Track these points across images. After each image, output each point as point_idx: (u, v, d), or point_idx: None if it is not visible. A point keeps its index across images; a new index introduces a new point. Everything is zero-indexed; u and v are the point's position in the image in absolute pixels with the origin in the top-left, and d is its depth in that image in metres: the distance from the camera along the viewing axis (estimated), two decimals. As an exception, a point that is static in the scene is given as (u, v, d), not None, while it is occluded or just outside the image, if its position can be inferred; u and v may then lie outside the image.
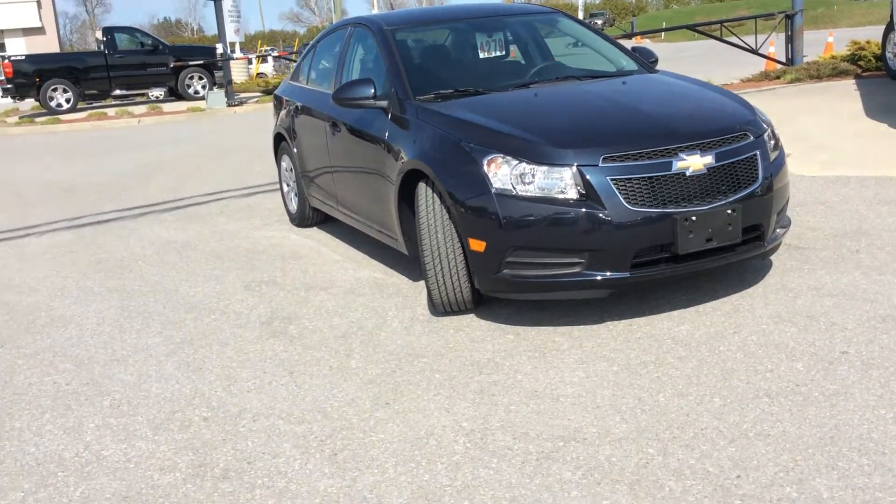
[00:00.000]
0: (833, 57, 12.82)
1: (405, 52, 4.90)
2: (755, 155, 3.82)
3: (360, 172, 4.90)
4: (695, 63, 18.73)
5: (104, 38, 20.90)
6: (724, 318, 3.72)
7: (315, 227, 6.36)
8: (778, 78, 12.48)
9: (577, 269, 3.63)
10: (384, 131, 4.50)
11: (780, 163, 3.99)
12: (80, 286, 5.33)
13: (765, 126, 4.05)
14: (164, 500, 2.70)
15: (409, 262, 4.94)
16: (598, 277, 3.62)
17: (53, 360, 4.08)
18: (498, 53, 5.31)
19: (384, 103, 4.53)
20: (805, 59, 13.26)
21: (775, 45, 14.64)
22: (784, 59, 13.42)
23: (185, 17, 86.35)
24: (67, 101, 20.01)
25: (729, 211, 3.65)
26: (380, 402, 3.26)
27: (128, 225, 7.12)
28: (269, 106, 7.28)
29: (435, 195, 3.94)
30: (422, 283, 4.63)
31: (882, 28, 11.19)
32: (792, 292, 3.94)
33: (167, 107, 19.24)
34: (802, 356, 3.25)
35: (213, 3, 19.11)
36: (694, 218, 3.58)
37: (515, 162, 3.67)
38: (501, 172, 3.68)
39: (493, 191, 3.67)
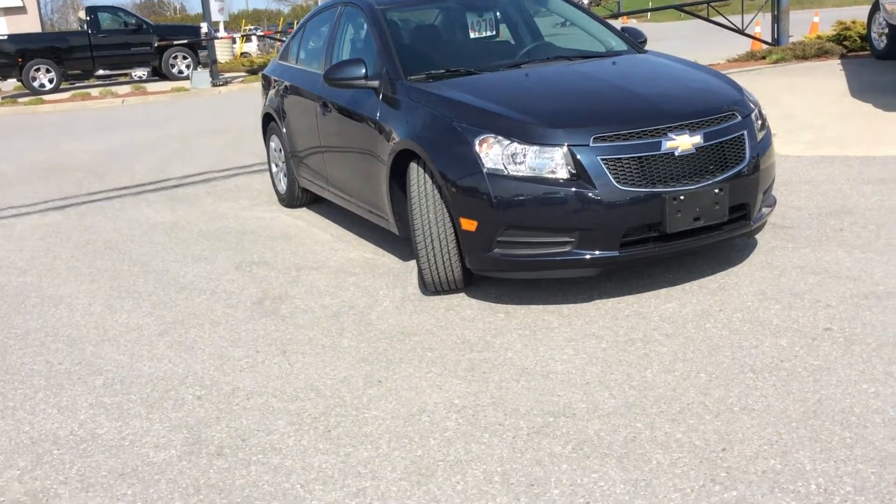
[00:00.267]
0: (819, 37, 12.89)
1: (396, 31, 4.90)
2: (743, 135, 3.87)
3: (350, 153, 4.92)
4: (681, 43, 18.74)
5: (87, 18, 20.66)
6: (710, 296, 3.78)
7: (304, 208, 6.37)
8: (764, 58, 12.54)
9: (567, 248, 3.68)
10: (375, 111, 4.51)
11: (766, 143, 4.04)
12: (70, 267, 5.33)
13: (752, 106, 4.09)
14: (159, 477, 2.73)
15: (400, 242, 4.97)
16: (588, 256, 3.66)
17: (45, 340, 4.10)
18: (488, 33, 5.31)
19: (375, 83, 4.54)
20: (791, 40, 13.31)
21: (761, 25, 14.69)
22: (770, 40, 13.47)
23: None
24: (50, 81, 19.80)
25: (716, 190, 3.70)
26: (372, 379, 3.30)
27: (115, 205, 7.11)
28: (255, 86, 7.23)
29: (426, 175, 3.96)
30: (412, 262, 4.67)
31: (867, 8, 11.25)
32: (776, 270, 4.00)
33: (151, 87, 19.08)
34: (786, 333, 3.32)
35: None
36: (682, 197, 3.63)
37: (507, 142, 3.70)
38: (493, 152, 3.71)
39: (484, 170, 3.70)
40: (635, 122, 3.70)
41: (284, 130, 6.10)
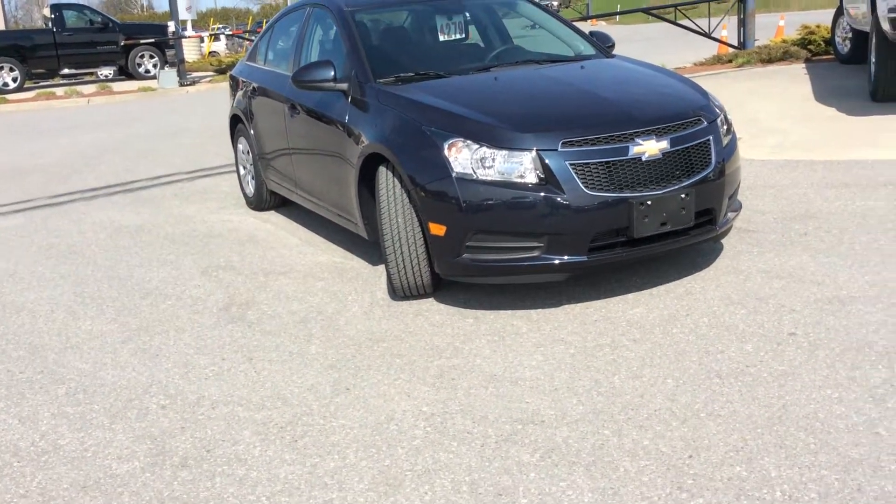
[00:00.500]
0: (784, 41, 13.06)
1: (365, 33, 4.87)
2: (708, 140, 3.90)
3: (319, 155, 4.88)
4: (649, 46, 18.91)
5: (52, 16, 20.32)
6: (677, 301, 3.80)
7: (273, 211, 6.32)
8: (730, 61, 12.68)
9: (536, 253, 3.68)
10: (344, 114, 4.48)
11: (731, 148, 4.08)
12: (32, 272, 5.23)
13: (718, 111, 4.13)
14: (122, 490, 2.69)
15: (369, 246, 4.94)
16: (557, 261, 3.67)
17: (6, 347, 4.01)
18: (458, 36, 5.31)
19: (344, 86, 4.51)
20: (757, 43, 13.48)
21: (728, 29, 14.86)
22: (736, 43, 13.62)
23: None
24: (14, 80, 19.43)
25: (683, 195, 3.72)
26: (340, 387, 3.27)
27: (79, 208, 6.99)
28: (223, 86, 7.16)
29: (395, 179, 3.94)
30: (381, 267, 4.64)
31: (832, 12, 11.41)
32: (742, 275, 4.04)
33: (117, 86, 18.83)
34: (752, 338, 3.34)
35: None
36: (649, 202, 3.65)
37: (476, 146, 3.69)
38: (462, 156, 3.70)
39: (453, 175, 3.69)
40: (603, 127, 3.71)
41: (252, 132, 6.04)
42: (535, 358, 3.37)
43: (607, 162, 3.64)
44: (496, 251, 3.73)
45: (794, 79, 10.25)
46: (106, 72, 20.96)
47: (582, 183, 3.60)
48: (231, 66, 18.17)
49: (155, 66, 20.60)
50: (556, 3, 53.85)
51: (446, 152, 3.72)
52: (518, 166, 3.63)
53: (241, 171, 6.55)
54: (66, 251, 5.67)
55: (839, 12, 10.85)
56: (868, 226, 4.57)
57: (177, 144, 10.17)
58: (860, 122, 7.13)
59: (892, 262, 4.00)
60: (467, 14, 5.34)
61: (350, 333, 3.81)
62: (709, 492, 2.38)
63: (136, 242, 5.74)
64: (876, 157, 5.96)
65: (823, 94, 8.78)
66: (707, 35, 12.95)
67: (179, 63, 18.87)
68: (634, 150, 3.67)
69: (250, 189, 6.39)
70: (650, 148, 3.68)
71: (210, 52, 28.86)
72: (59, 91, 18.04)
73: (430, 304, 4.07)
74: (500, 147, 3.66)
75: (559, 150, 3.62)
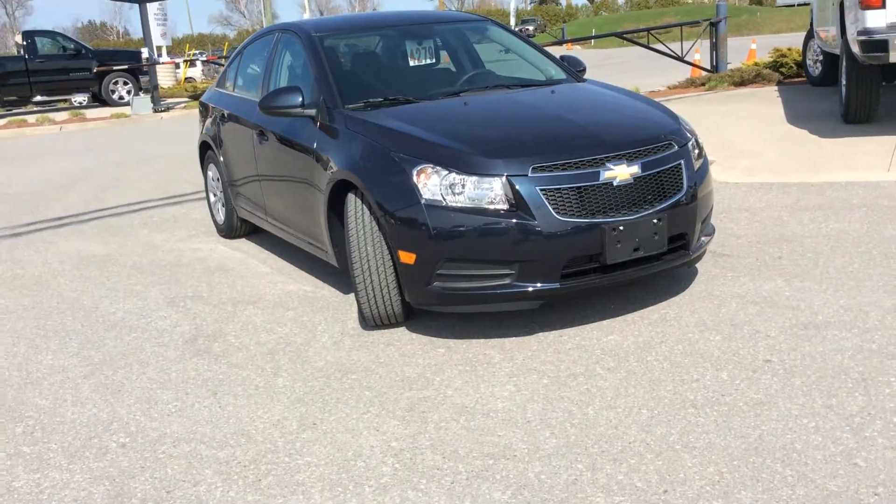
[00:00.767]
0: (756, 64, 13.18)
1: (334, 59, 4.82)
2: (680, 164, 3.87)
3: (288, 182, 4.80)
4: (623, 70, 19.07)
5: (24, 43, 20.14)
6: (652, 328, 3.74)
7: (244, 239, 6.22)
8: (703, 85, 12.77)
9: (507, 281, 3.61)
10: (313, 140, 4.41)
11: (703, 171, 4.05)
12: (-6, 304, 5.09)
13: (689, 135, 4.10)
14: (77, 535, 2.57)
15: (340, 275, 4.85)
16: (529, 289, 3.60)
17: (-39, 384, 3.87)
18: (428, 61, 5.27)
19: (312, 112, 4.44)
20: (729, 66, 13.60)
21: (700, 52, 14.99)
22: (709, 66, 13.73)
23: (111, 20, 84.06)
24: (-15, 107, 19.24)
25: (655, 220, 3.68)
26: (307, 422, 3.17)
27: (46, 238, 6.85)
28: (198, 112, 7.11)
29: (364, 206, 3.87)
30: (352, 296, 4.56)
31: (803, 34, 11.54)
32: (717, 300, 3.99)
33: (91, 113, 18.66)
34: (727, 365, 3.29)
35: (138, 6, 18.64)
36: (621, 228, 3.60)
37: (445, 172, 3.63)
38: (431, 183, 3.64)
39: (422, 201, 3.62)
40: (574, 151, 3.67)
41: (222, 159, 5.95)
42: (508, 388, 3.29)
43: (578, 187, 3.59)
44: (467, 279, 3.65)
45: (767, 101, 10.33)
46: (80, 98, 20.78)
47: (553, 209, 3.54)
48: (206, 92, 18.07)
49: (129, 92, 20.45)
50: (531, 28, 54.54)
51: (415, 178, 3.66)
52: (488, 192, 3.57)
53: (212, 199, 6.46)
54: (30, 282, 5.53)
55: (810, 35, 10.98)
56: (842, 249, 4.55)
57: (148, 171, 10.05)
58: (833, 143, 7.17)
59: (866, 287, 3.97)
60: (437, 39, 5.30)
61: (319, 365, 3.72)
62: (685, 528, 2.30)
63: (103, 272, 5.62)
64: (849, 179, 5.98)
65: (796, 116, 8.84)
66: (680, 59, 13.05)
67: (153, 89, 18.76)
68: (606, 174, 3.62)
69: (221, 217, 6.29)
70: (621, 173, 3.64)
71: (186, 78, 28.72)
72: (31, 118, 17.85)
73: (401, 334, 3.98)
74: (470, 173, 3.60)
75: (529, 175, 3.57)
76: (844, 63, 7.79)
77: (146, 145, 12.91)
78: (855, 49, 7.15)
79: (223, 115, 5.88)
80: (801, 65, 11.78)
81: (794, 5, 44.70)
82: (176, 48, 43.86)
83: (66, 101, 21.02)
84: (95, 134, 15.71)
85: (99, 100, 20.77)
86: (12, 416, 3.49)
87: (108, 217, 7.51)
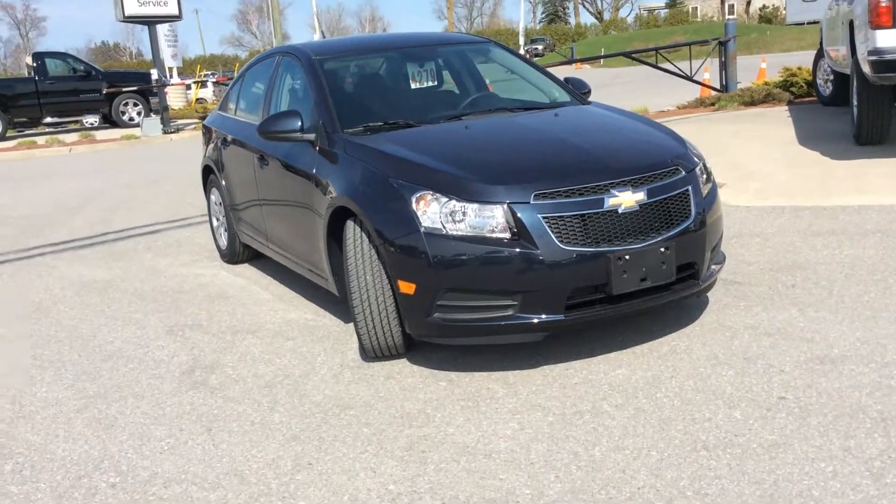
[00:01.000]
0: (766, 83, 13.07)
1: (333, 82, 4.74)
2: (687, 190, 3.75)
3: (289, 208, 4.72)
4: (632, 89, 19.00)
5: (34, 64, 20.24)
6: (661, 361, 3.61)
7: (247, 264, 6.13)
8: (713, 104, 12.66)
9: (510, 312, 3.50)
10: (312, 166, 4.32)
11: (712, 197, 3.93)
12: (-9, 332, 5.01)
13: (696, 160, 3.99)
14: (58, 584, 2.46)
15: (342, 303, 4.74)
16: (533, 320, 3.49)
17: (-48, 419, 3.78)
18: (430, 84, 5.19)
19: (311, 136, 4.36)
20: (739, 86, 13.49)
21: (710, 72, 14.89)
22: (718, 86, 13.63)
23: (124, 41, 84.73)
24: (-5, 129, 19.33)
25: (662, 249, 3.56)
26: (302, 462, 3.06)
27: (49, 262, 6.79)
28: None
29: (363, 234, 3.77)
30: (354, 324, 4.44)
31: (813, 53, 11.43)
32: (729, 331, 3.86)
33: (100, 134, 18.71)
34: (740, 403, 3.15)
35: (147, 27, 18.73)
36: (627, 257, 3.48)
37: (445, 199, 3.53)
38: (431, 210, 3.54)
39: (422, 229, 3.52)
40: (577, 177, 3.56)
41: (224, 183, 5.88)
42: (511, 426, 3.17)
43: (582, 215, 3.48)
44: (469, 310, 3.54)
45: (777, 121, 10.20)
46: (91, 119, 20.85)
47: (556, 237, 3.43)
48: (215, 112, 18.08)
49: (139, 113, 20.51)
50: (540, 48, 54.64)
51: (414, 206, 3.56)
52: (489, 220, 3.47)
53: (215, 223, 6.38)
54: (30, 309, 5.46)
55: (820, 54, 10.85)
56: (857, 277, 4.42)
57: (155, 193, 10.01)
58: (845, 166, 7.03)
59: (883, 318, 3.84)
60: (439, 61, 5.22)
61: (317, 399, 3.61)
62: (695, 584, 2.17)
63: (104, 299, 5.54)
64: (862, 203, 5.84)
65: (807, 137, 8.71)
66: (689, 78, 12.95)
67: (163, 111, 18.80)
68: (610, 201, 3.51)
69: (223, 241, 6.21)
70: (626, 199, 3.53)
71: (197, 99, 28.85)
72: (41, 140, 17.90)
73: (402, 366, 3.87)
74: (470, 200, 3.50)
75: (531, 202, 3.46)
76: (855, 83, 7.67)
77: (155, 166, 12.90)
78: (865, 69, 7.02)
79: (225, 138, 5.81)
80: (812, 84, 11.66)
81: (803, 23, 44.60)
82: (187, 69, 44.15)
83: (77, 122, 21.10)
84: (105, 155, 15.73)
85: (109, 121, 20.84)
86: (2, 452, 3.39)
87: (112, 241, 7.45)
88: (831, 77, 10.65)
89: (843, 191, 6.21)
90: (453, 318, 3.56)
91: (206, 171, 6.34)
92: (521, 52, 44.48)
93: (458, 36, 5.97)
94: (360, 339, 3.90)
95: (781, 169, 7.26)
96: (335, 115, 4.37)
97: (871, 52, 6.87)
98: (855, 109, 7.81)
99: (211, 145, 6.17)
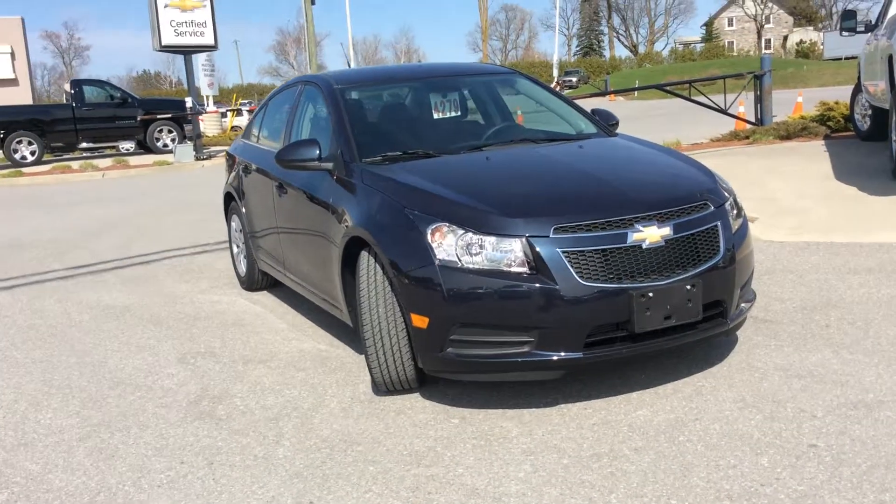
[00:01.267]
0: (802, 117, 12.84)
1: (353, 111, 4.66)
2: (716, 226, 3.59)
3: (305, 237, 4.63)
4: (665, 121, 18.83)
5: (72, 91, 20.66)
6: (685, 402, 3.43)
7: (265, 291, 6.05)
8: (747, 138, 12.44)
9: (526, 349, 3.35)
10: (329, 195, 4.24)
11: (742, 233, 3.76)
12: (5, 356, 4.96)
13: (726, 195, 3.83)
14: None
15: (357, 334, 4.63)
16: (551, 358, 3.33)
17: (-46, 444, 3.70)
18: (453, 114, 5.09)
19: (329, 165, 4.28)
20: (774, 119, 13.27)
21: (745, 105, 14.68)
22: (753, 119, 13.42)
23: (164, 69, 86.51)
24: (32, 153, 19.65)
25: (688, 286, 3.39)
26: (303, 500, 2.92)
27: (69, 287, 6.76)
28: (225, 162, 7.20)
29: (377, 265, 3.66)
30: (366, 357, 4.32)
31: (850, 88, 11.20)
32: (758, 372, 3.67)
33: (134, 160, 18.95)
34: (768, 449, 2.96)
35: (183, 57, 19.01)
36: (651, 294, 3.32)
37: (461, 231, 3.41)
38: (446, 242, 3.42)
39: (436, 262, 3.40)
40: (599, 211, 3.42)
41: (244, 210, 5.83)
42: (524, 468, 3.00)
43: (604, 249, 3.33)
44: (484, 346, 3.40)
45: (814, 156, 9.97)
46: (127, 145, 21.19)
47: (576, 272, 3.28)
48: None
49: (173, 140, 20.78)
50: (574, 80, 54.69)
51: (429, 238, 3.44)
52: (507, 254, 3.33)
53: (235, 250, 6.33)
54: (45, 333, 5.41)
55: (857, 89, 10.63)
56: (895, 317, 4.19)
57: (181, 219, 10.02)
58: (883, 202, 6.80)
59: (923, 361, 3.62)
60: (463, 91, 5.13)
61: (324, 434, 3.47)
62: None
63: (119, 325, 5.47)
64: (901, 240, 5.62)
65: (844, 172, 8.47)
66: (723, 111, 12.77)
67: (196, 138, 19.00)
68: (634, 236, 3.36)
69: (243, 268, 6.14)
70: (651, 234, 3.38)
71: (232, 127, 29.21)
72: (75, 165, 18.16)
73: (414, 401, 3.73)
74: (488, 233, 3.37)
75: (551, 236, 3.32)
76: (894, 117, 7.45)
77: (184, 192, 12.97)
78: (906, 103, 6.82)
79: (246, 166, 5.77)
80: (849, 119, 11.42)
81: (841, 59, 44.18)
82: (224, 97, 44.83)
83: (114, 147, 21.42)
84: (137, 181, 15.89)
85: (144, 147, 21.14)
86: None
87: (134, 265, 7.42)
88: (869, 112, 10.42)
89: (882, 227, 5.98)
90: (467, 354, 3.42)
91: (228, 198, 6.30)
92: (554, 84, 44.54)
93: (482, 66, 5.89)
94: (371, 373, 3.77)
95: (817, 204, 7.04)
96: (354, 145, 4.29)
97: (910, 86, 6.67)
98: (893, 145, 7.58)
99: (233, 173, 6.13)
